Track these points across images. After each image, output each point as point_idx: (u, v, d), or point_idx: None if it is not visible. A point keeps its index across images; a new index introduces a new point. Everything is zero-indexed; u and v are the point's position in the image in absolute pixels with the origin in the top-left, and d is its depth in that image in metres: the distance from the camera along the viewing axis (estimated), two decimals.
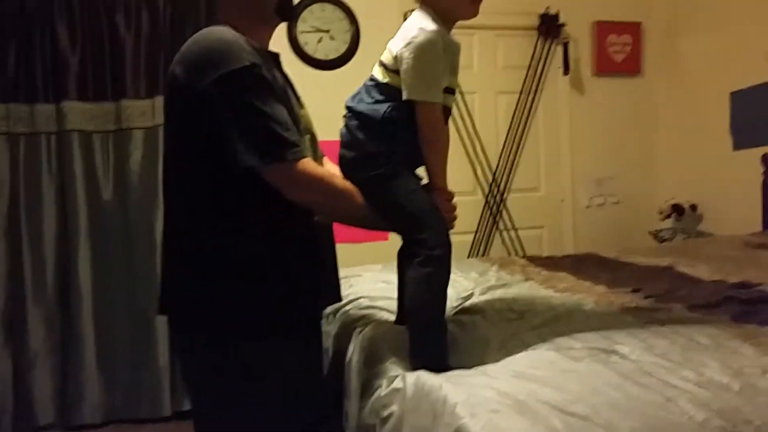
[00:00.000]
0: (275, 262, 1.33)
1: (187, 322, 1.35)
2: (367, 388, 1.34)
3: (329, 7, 3.31)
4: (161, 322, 2.76)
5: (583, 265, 2.26)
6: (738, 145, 3.24)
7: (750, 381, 1.12)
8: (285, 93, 1.37)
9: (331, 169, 1.43)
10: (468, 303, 1.71)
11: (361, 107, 1.36)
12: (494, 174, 3.59)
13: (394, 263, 1.50)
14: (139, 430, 2.88)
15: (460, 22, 1.41)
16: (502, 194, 3.61)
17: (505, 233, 3.63)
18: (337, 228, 1.49)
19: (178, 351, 1.43)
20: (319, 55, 3.32)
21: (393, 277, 1.53)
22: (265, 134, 1.24)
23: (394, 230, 1.40)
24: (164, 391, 2.90)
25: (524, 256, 2.68)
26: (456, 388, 1.11)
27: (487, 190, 3.59)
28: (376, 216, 1.36)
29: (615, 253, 2.49)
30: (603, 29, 3.71)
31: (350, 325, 1.62)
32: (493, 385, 1.12)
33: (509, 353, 1.30)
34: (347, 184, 1.35)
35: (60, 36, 2.83)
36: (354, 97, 1.41)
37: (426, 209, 1.33)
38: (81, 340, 2.85)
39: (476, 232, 3.57)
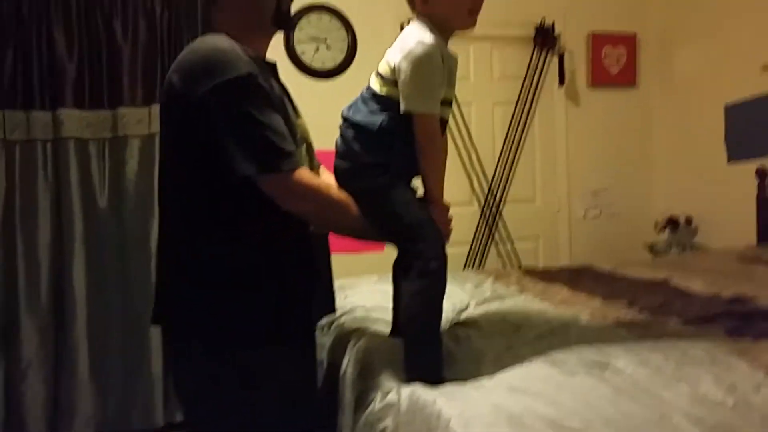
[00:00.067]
0: (271, 272, 1.32)
1: (184, 330, 1.34)
2: (361, 401, 1.34)
3: (326, 17, 3.32)
4: (155, 332, 2.75)
5: (578, 278, 2.26)
6: (732, 157, 3.25)
7: (744, 397, 1.12)
8: (281, 102, 1.37)
9: (327, 179, 1.43)
10: (463, 316, 1.71)
11: (358, 117, 1.36)
12: (490, 184, 3.60)
13: (390, 274, 1.50)
14: None
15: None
16: (498, 205, 3.61)
17: (500, 244, 3.63)
18: (333, 238, 1.48)
19: (173, 360, 1.42)
20: (316, 65, 3.32)
21: (389, 288, 1.52)
22: (261, 144, 1.24)
23: (389, 241, 1.40)
24: (157, 402, 2.88)
25: (520, 268, 2.68)
26: (450, 402, 1.11)
27: (483, 200, 3.60)
28: (372, 227, 1.35)
29: (610, 266, 2.49)
30: (598, 41, 3.73)
31: (345, 336, 1.61)
32: (487, 399, 1.12)
33: (504, 367, 1.29)
34: (343, 195, 1.35)
35: (57, 43, 2.83)
36: (350, 107, 1.41)
37: (422, 221, 1.33)
38: (74, 350, 2.83)
39: (472, 243, 3.57)
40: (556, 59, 3.66)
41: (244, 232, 1.32)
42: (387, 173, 1.35)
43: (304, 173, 1.28)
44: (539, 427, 1.01)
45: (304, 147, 1.43)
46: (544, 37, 3.61)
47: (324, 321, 1.77)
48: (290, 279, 1.35)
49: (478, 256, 3.58)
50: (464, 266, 3.52)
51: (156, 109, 2.83)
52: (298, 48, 3.28)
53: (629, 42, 3.79)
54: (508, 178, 3.64)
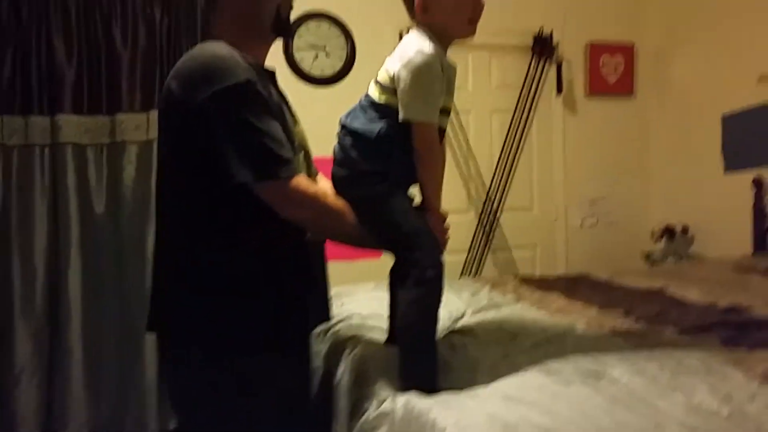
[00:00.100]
0: (268, 279, 1.33)
1: (181, 337, 1.34)
2: (356, 409, 1.34)
3: (325, 25, 3.33)
4: (150, 339, 2.74)
5: (575, 287, 2.26)
6: (729, 167, 3.26)
7: (739, 407, 1.12)
8: (280, 109, 1.38)
9: (325, 186, 1.43)
10: (459, 324, 1.71)
11: (356, 125, 1.37)
12: (488, 192, 3.61)
13: (387, 281, 1.50)
14: None
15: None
16: (496, 213, 3.62)
17: (498, 252, 3.63)
18: (330, 245, 1.49)
19: (168, 367, 1.42)
20: (315, 72, 3.33)
21: (385, 296, 1.52)
22: (258, 151, 1.25)
23: (386, 249, 1.40)
24: (150, 409, 2.86)
25: (516, 276, 2.68)
26: (445, 411, 1.11)
27: (480, 208, 3.60)
28: (369, 235, 1.36)
29: (607, 275, 2.50)
30: (596, 50, 3.75)
31: (341, 344, 1.61)
32: (483, 408, 1.12)
33: (500, 376, 1.29)
34: (340, 203, 1.35)
35: (56, 48, 2.83)
36: (348, 114, 1.41)
37: (419, 229, 1.33)
38: (68, 356, 2.81)
39: (469, 251, 3.58)
40: (554, 68, 3.67)
41: (241, 238, 1.32)
42: (385, 181, 1.35)
43: (301, 180, 1.29)
44: None
45: (302, 154, 1.44)
46: (543, 46, 3.63)
47: (320, 328, 1.77)
48: (287, 286, 1.35)
49: (475, 264, 3.58)
50: (461, 274, 3.52)
51: (154, 114, 2.83)
52: (297, 55, 3.29)
53: (627, 51, 3.81)
54: (505, 187, 3.65)
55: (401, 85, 1.31)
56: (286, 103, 1.48)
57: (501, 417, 1.07)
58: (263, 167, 1.25)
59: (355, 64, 3.36)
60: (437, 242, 1.35)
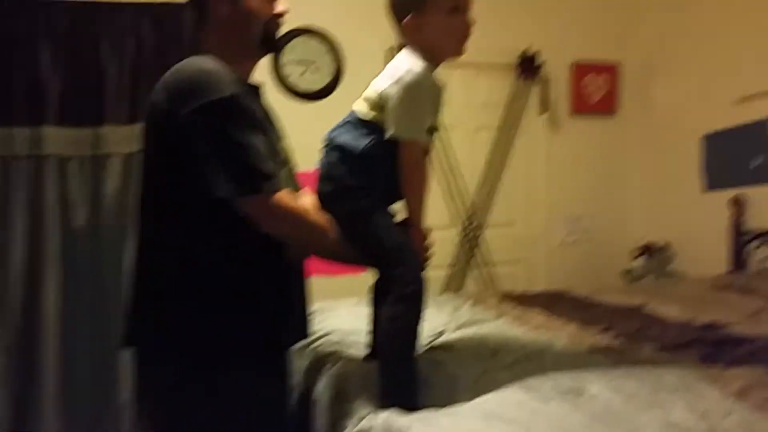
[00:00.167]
0: (247, 293, 1.33)
1: (158, 352, 1.33)
2: (335, 427, 1.33)
3: (313, 41, 3.35)
4: (126, 356, 2.70)
5: (555, 303, 2.28)
6: (708, 187, 3.32)
7: (714, 424, 1.14)
8: (265, 124, 1.39)
9: (308, 201, 1.44)
10: (440, 340, 1.71)
11: (342, 140, 1.38)
12: (471, 208, 3.63)
13: (369, 297, 1.50)
14: None
15: None
16: (479, 229, 3.64)
17: (480, 268, 3.65)
18: (312, 260, 1.49)
19: (145, 383, 1.41)
20: (302, 87, 3.35)
21: (367, 311, 1.53)
22: (242, 165, 1.25)
23: (368, 265, 1.40)
24: (125, 426, 2.82)
25: (498, 292, 2.70)
26: (425, 428, 1.11)
27: (463, 224, 3.62)
28: (351, 250, 1.36)
29: (587, 292, 2.52)
30: (580, 70, 3.80)
31: (320, 360, 1.60)
32: (462, 425, 1.12)
33: (480, 392, 1.30)
34: (323, 218, 1.36)
35: (41, 59, 2.82)
36: (334, 130, 1.42)
37: (401, 245, 1.34)
38: (43, 371, 2.75)
39: (452, 266, 3.59)
40: (538, 87, 3.72)
41: (221, 252, 1.32)
42: (369, 197, 1.36)
43: (284, 195, 1.29)
44: None
45: (285, 169, 1.45)
46: (528, 65, 3.67)
47: (299, 344, 1.76)
48: (265, 300, 1.35)
49: (457, 280, 3.59)
50: (443, 290, 3.53)
51: (139, 128, 2.81)
52: (285, 70, 3.31)
53: (611, 71, 3.86)
54: (489, 203, 3.67)
55: (390, 103, 1.32)
56: (272, 118, 1.49)
57: None
58: (246, 181, 1.25)
59: (343, 80, 3.38)
60: (419, 259, 1.36)
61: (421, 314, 1.31)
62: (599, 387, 1.29)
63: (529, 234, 3.79)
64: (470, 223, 3.62)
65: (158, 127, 1.31)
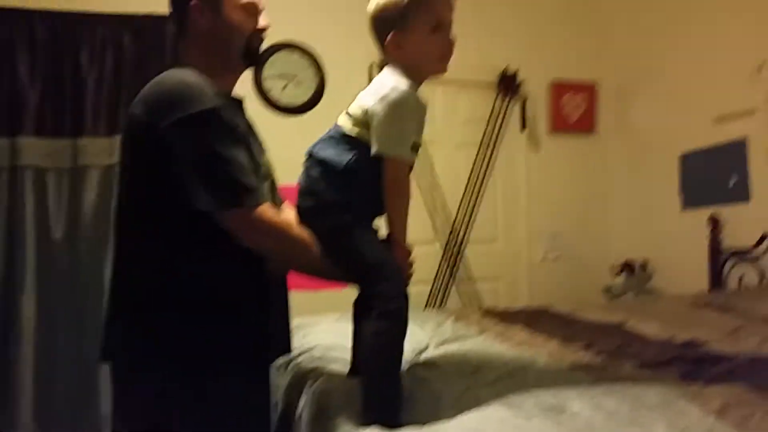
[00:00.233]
0: (227, 307, 1.32)
1: (139, 365, 1.31)
2: None
3: (296, 55, 3.35)
4: (105, 370, 2.65)
5: (537, 320, 2.28)
6: (686, 205, 3.36)
7: None
8: (246, 138, 1.38)
9: (290, 215, 1.43)
10: (423, 356, 1.70)
11: (325, 155, 1.37)
12: (453, 224, 3.64)
13: (351, 312, 1.49)
14: None
15: None
16: (461, 245, 3.64)
17: (462, 284, 3.65)
18: (293, 275, 1.47)
19: (123, 397, 1.38)
20: (284, 101, 3.34)
21: (349, 327, 1.51)
22: (223, 178, 1.24)
23: (350, 281, 1.39)
24: None
25: (480, 308, 2.70)
26: None
27: (445, 240, 3.62)
28: (333, 266, 1.35)
29: (568, 308, 2.52)
30: (559, 89, 3.86)
31: (302, 377, 1.58)
32: None
33: (463, 409, 1.28)
34: (305, 233, 1.35)
35: (19, 69, 2.78)
36: (316, 144, 1.41)
37: (384, 261, 1.33)
38: (18, 386, 2.70)
39: (434, 282, 3.58)
40: (518, 105, 3.76)
41: (200, 266, 1.31)
42: (349, 212, 1.35)
43: (266, 209, 1.28)
44: None
45: (267, 183, 1.44)
46: (508, 84, 3.72)
47: (281, 360, 1.74)
48: (245, 314, 1.34)
49: (439, 296, 3.59)
50: (425, 305, 3.53)
51: (118, 140, 2.79)
52: (267, 84, 3.30)
53: (589, 91, 3.92)
54: (470, 219, 3.69)
55: (376, 120, 1.32)
56: (254, 131, 1.48)
57: None
58: (228, 195, 1.24)
59: (325, 94, 3.38)
60: (402, 274, 1.35)
61: (405, 330, 1.30)
62: (581, 404, 1.28)
63: (510, 250, 3.81)
64: (452, 239, 3.62)
65: (137, 139, 1.30)
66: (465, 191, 3.69)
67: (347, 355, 1.54)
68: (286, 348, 1.51)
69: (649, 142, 3.67)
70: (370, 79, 1.43)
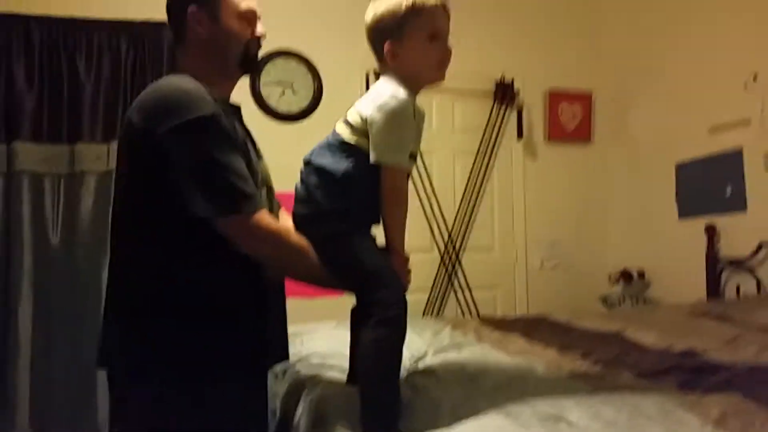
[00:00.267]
0: (224, 313, 1.31)
1: (136, 370, 1.30)
2: None
3: (293, 62, 3.36)
4: (101, 376, 2.64)
5: (534, 328, 2.27)
6: (683, 214, 3.37)
7: None
8: (244, 144, 1.38)
9: (288, 222, 1.43)
10: (421, 365, 1.69)
11: (322, 162, 1.37)
12: (450, 232, 3.63)
13: (349, 320, 1.48)
14: None
15: None
16: (458, 253, 3.64)
17: (459, 292, 3.64)
18: (290, 282, 1.47)
19: (120, 404, 1.37)
20: (281, 108, 3.35)
21: (347, 334, 1.50)
22: (221, 185, 1.24)
23: (348, 289, 1.38)
24: None
25: (477, 317, 2.69)
26: None
27: (443, 248, 3.62)
28: (331, 274, 1.34)
29: (566, 317, 2.52)
30: (555, 98, 3.87)
31: (299, 384, 1.57)
32: None
33: (461, 418, 1.28)
34: (302, 241, 1.34)
35: (16, 75, 2.78)
36: (313, 152, 1.41)
37: (382, 268, 1.32)
38: (14, 393, 2.68)
39: (431, 290, 3.58)
40: (515, 113, 3.77)
41: (197, 272, 1.30)
42: (347, 220, 1.35)
43: (264, 216, 1.28)
44: None
45: (264, 190, 1.43)
46: (504, 93, 3.73)
47: (278, 368, 1.73)
48: (243, 321, 1.33)
49: (437, 303, 3.58)
50: (423, 313, 3.52)
51: (115, 146, 2.79)
52: (264, 91, 3.30)
53: (585, 100, 3.93)
54: (467, 227, 3.69)
55: (374, 128, 1.32)
56: (251, 138, 1.48)
57: None
58: (225, 201, 1.24)
59: (322, 101, 3.39)
60: (400, 282, 1.34)
61: (403, 337, 1.29)
62: (578, 414, 1.27)
63: (507, 258, 3.81)
64: (449, 247, 3.62)
65: (134, 145, 1.30)
66: (462, 199, 3.69)
67: (345, 363, 1.53)
68: (284, 354, 1.50)
69: (645, 151, 3.69)
70: (367, 87, 1.44)
